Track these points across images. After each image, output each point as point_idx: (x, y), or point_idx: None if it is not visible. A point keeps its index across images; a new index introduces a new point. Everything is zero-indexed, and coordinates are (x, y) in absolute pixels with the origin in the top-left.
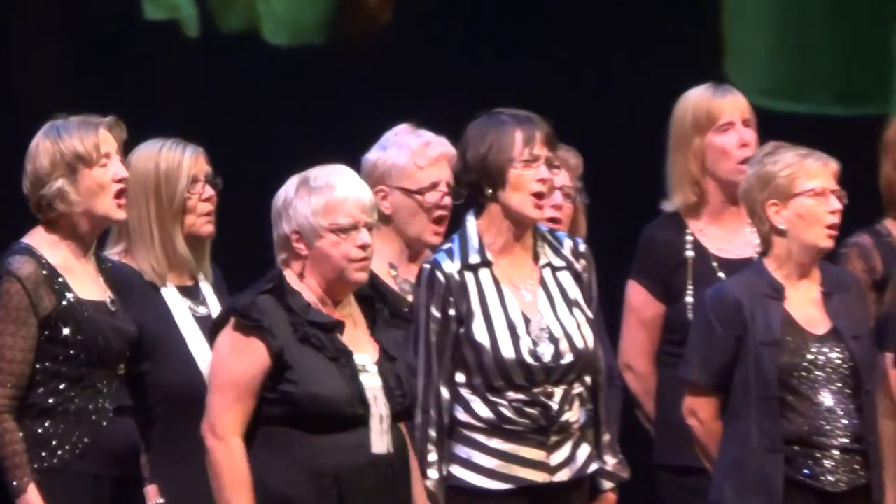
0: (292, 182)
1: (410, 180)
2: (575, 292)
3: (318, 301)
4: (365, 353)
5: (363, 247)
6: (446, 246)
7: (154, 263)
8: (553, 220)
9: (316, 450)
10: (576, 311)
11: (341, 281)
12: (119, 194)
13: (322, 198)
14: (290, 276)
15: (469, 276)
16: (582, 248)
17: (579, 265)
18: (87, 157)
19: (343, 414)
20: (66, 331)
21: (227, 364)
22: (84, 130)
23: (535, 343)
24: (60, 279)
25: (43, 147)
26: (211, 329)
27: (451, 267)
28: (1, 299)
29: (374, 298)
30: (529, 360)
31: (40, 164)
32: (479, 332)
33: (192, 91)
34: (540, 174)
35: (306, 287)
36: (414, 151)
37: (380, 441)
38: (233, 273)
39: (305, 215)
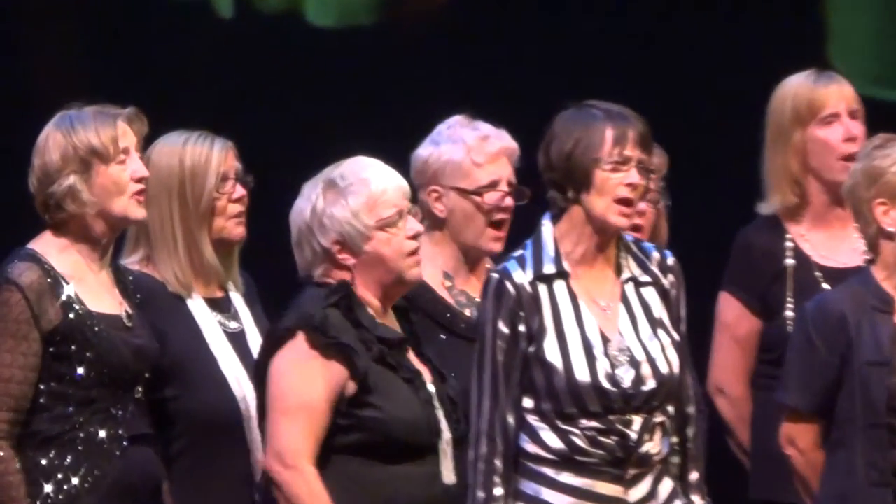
0: (314, 190)
1: (467, 179)
2: (660, 311)
3: (375, 314)
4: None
5: (415, 236)
6: (517, 253)
7: (178, 272)
8: (634, 227)
9: (388, 482)
10: (660, 332)
11: (398, 283)
12: (138, 195)
13: (360, 196)
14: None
15: (542, 288)
16: (671, 261)
17: (667, 281)
18: (103, 152)
19: (422, 442)
20: (73, 347)
21: (299, 385)
22: (100, 122)
23: (613, 366)
24: (68, 289)
25: (53, 140)
26: (268, 345)
27: (522, 277)
28: None
29: (409, 309)
30: (606, 384)
31: (50, 158)
32: (551, 352)
33: (223, 78)
34: (629, 178)
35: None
36: (470, 147)
37: (448, 471)
38: (268, 283)
39: (346, 220)
